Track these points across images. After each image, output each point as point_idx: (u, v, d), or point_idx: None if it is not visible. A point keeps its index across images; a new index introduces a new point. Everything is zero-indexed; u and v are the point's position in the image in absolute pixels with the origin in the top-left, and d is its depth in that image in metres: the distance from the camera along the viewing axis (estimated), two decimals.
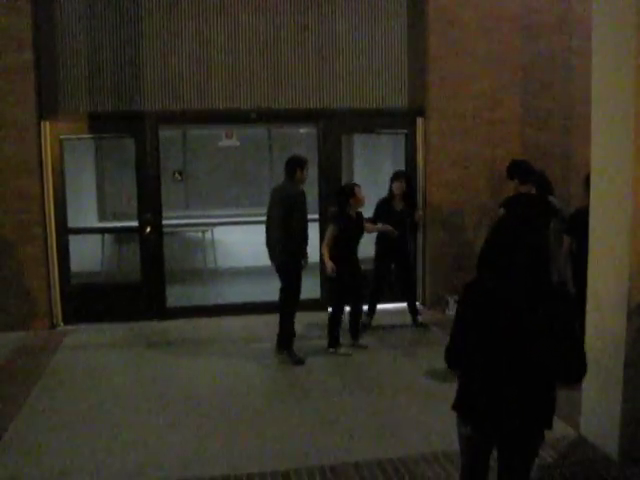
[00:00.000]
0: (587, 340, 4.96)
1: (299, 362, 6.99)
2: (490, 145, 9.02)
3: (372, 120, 9.17)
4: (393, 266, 8.31)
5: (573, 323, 3.03)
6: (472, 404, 3.21)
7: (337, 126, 9.06)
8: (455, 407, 3.30)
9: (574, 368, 2.98)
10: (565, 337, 2.95)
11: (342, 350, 7.30)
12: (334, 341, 7.32)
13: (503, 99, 9.01)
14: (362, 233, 7.41)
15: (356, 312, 7.60)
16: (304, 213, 7.09)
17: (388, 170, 9.16)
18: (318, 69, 8.87)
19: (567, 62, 9.11)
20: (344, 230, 7.19)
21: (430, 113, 8.95)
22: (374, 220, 8.06)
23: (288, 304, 7.23)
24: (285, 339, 7.23)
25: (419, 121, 9.12)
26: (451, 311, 8.81)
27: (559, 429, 5.19)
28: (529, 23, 9.01)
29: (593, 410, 4.99)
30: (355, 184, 7.42)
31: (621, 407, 4.64)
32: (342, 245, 7.17)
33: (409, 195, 8.18)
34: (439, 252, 9.07)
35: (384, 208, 8.12)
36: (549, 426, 3.12)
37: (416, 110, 9.10)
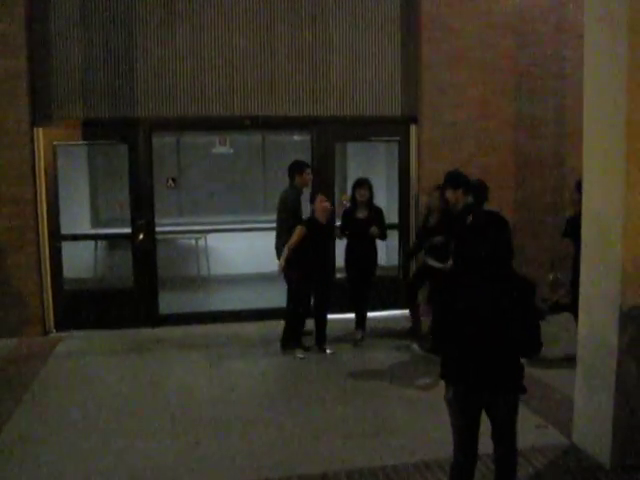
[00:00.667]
0: (579, 345, 4.96)
1: (306, 349, 7.48)
2: (483, 153, 9.04)
3: (365, 128, 9.19)
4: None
5: (531, 306, 3.67)
6: (454, 372, 3.75)
7: (331, 134, 9.08)
8: (442, 376, 3.81)
9: (531, 343, 3.64)
10: (524, 317, 3.60)
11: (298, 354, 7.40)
12: (291, 343, 7.48)
13: (496, 107, 9.04)
14: (332, 242, 7.60)
15: (318, 319, 7.61)
16: (297, 217, 7.24)
17: (381, 177, 9.18)
18: (312, 77, 8.88)
19: (561, 70, 9.15)
20: (309, 236, 7.25)
21: (423, 120, 8.97)
22: (341, 229, 8.03)
23: (289, 306, 7.48)
24: (289, 337, 7.52)
25: (412, 128, 9.14)
26: None
27: (551, 436, 5.21)
28: (523, 31, 9.05)
29: (585, 418, 4.98)
30: (319, 193, 7.57)
31: (613, 415, 4.64)
32: (307, 251, 7.24)
33: (371, 203, 7.92)
34: None
35: (348, 217, 7.99)
36: (523, 391, 3.70)
37: (409, 118, 9.12)
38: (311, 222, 7.38)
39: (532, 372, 6.52)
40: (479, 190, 7.51)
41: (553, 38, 9.14)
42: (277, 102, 8.86)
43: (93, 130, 8.56)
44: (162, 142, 10.47)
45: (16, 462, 4.92)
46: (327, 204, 7.39)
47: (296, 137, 12.27)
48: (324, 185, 8.80)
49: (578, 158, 5.22)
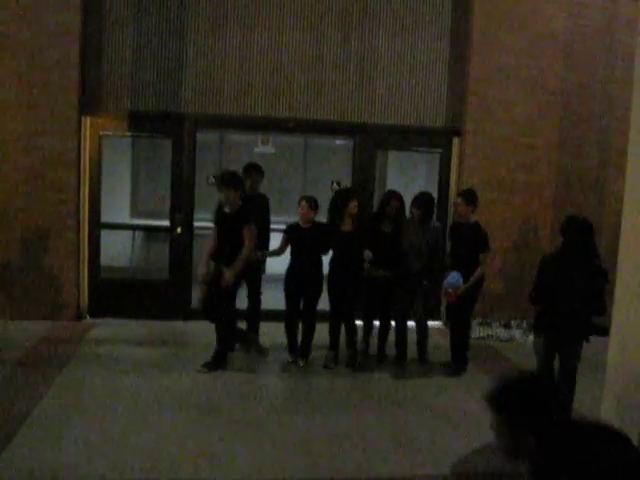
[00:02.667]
0: (608, 376, 4.93)
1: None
2: (524, 170, 9.00)
3: (408, 137, 9.22)
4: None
5: (601, 282, 5.54)
6: (544, 323, 5.72)
7: (373, 141, 9.12)
8: (534, 327, 5.91)
9: (599, 307, 5.51)
10: (593, 291, 5.50)
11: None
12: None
13: (540, 125, 9.00)
14: (315, 247, 7.24)
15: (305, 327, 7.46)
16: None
17: (420, 188, 9.16)
18: (358, 83, 8.94)
19: (608, 93, 9.08)
20: (291, 240, 7.24)
21: (466, 134, 8.97)
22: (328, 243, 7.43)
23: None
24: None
25: (455, 141, 9.14)
26: (474, 333, 8.78)
27: None
28: (573, 51, 9.00)
29: None
30: (304, 197, 7.28)
31: (637, 442, 4.59)
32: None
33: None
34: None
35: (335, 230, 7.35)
36: (587, 339, 5.62)
37: (453, 130, 9.12)
38: (293, 226, 7.29)
39: None
40: (425, 203, 7.35)
41: (603, 59, 9.07)
42: (322, 106, 8.93)
43: (139, 123, 8.72)
44: (205, 138, 10.57)
45: (43, 443, 5.02)
46: (310, 212, 7.13)
47: (338, 141, 12.31)
48: (365, 191, 8.82)
49: (620, 182, 5.21)
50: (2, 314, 8.25)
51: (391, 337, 7.56)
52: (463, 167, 9.01)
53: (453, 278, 6.94)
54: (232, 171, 7.19)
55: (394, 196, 7.32)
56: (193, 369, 6.91)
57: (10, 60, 8.14)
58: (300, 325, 7.37)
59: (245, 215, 6.80)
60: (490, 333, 8.83)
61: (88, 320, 8.76)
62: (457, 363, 7.35)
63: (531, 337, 8.28)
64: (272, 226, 7.91)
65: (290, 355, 7.38)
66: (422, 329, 7.48)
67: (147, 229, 10.47)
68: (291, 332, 7.37)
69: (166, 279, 8.96)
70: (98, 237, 8.85)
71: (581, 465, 2.34)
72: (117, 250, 10.38)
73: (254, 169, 7.61)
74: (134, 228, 10.75)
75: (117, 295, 8.93)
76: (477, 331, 8.83)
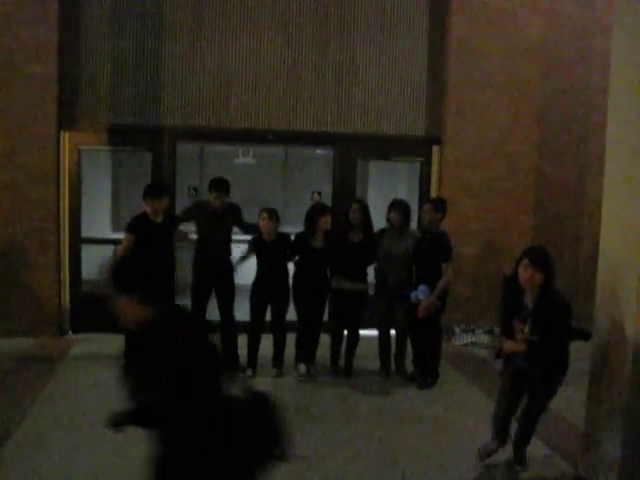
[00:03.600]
0: (591, 381, 4.96)
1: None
2: (504, 176, 9.06)
3: (388, 146, 9.24)
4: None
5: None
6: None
7: (353, 151, 9.14)
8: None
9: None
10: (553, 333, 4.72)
11: None
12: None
13: (520, 132, 9.07)
14: (279, 258, 7.19)
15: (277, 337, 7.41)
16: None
17: (402, 197, 9.18)
18: (337, 93, 8.97)
19: (587, 97, 9.15)
20: (256, 252, 7.21)
21: (446, 142, 9.01)
22: (290, 253, 7.29)
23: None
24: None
25: (435, 149, 9.18)
26: (457, 341, 8.82)
27: (557, 467, 5.20)
28: (550, 56, 9.08)
29: (592, 449, 4.97)
30: (264, 209, 7.11)
31: (621, 447, 4.62)
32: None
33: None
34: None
35: (302, 243, 7.22)
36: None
37: (432, 138, 9.16)
38: (255, 239, 7.22)
39: None
40: (403, 208, 7.27)
41: (579, 65, 9.15)
42: (301, 117, 8.95)
43: (118, 136, 8.70)
44: (185, 150, 10.55)
45: (28, 462, 4.97)
46: (271, 222, 7.03)
47: (319, 151, 12.32)
48: (345, 201, 8.81)
49: (600, 186, 5.22)
50: None
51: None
52: (444, 175, 9.05)
53: (423, 292, 6.89)
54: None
55: (357, 205, 7.29)
56: None
57: None
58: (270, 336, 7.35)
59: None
60: (474, 340, 8.86)
61: (70, 336, 8.70)
62: (430, 376, 7.23)
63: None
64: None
65: (248, 368, 7.25)
66: (403, 340, 7.42)
67: None
68: (254, 344, 7.28)
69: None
70: (79, 252, 8.80)
71: None
72: (98, 264, 10.32)
73: (215, 190, 7.17)
74: (115, 242, 10.63)
75: (99, 310, 8.80)
76: (461, 338, 8.86)
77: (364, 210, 7.22)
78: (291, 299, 7.29)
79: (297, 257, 7.26)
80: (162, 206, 6.84)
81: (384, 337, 7.44)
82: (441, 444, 5.55)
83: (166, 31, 8.63)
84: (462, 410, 6.39)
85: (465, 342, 8.84)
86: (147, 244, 6.75)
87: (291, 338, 7.33)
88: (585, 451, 5.05)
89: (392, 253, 7.17)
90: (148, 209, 6.89)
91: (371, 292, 7.44)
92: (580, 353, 5.53)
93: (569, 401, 5.84)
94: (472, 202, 9.00)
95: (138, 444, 5.30)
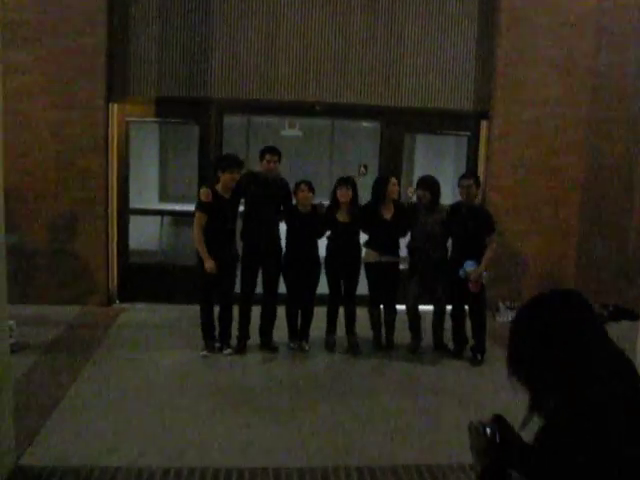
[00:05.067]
0: (639, 358, 4.88)
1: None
2: (553, 152, 8.90)
3: (435, 120, 9.15)
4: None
5: None
6: None
7: (400, 124, 9.07)
8: None
9: None
10: None
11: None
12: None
13: (571, 107, 8.88)
14: (315, 230, 7.13)
15: (305, 312, 7.36)
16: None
17: (449, 172, 9.12)
18: (385, 66, 8.87)
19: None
20: (291, 224, 7.16)
21: (495, 116, 8.88)
22: (362, 225, 7.26)
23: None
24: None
25: (483, 124, 9.06)
26: (502, 317, 8.75)
27: None
28: (602, 30, 8.84)
29: None
30: (304, 182, 7.08)
31: None
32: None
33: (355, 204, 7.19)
34: (494, 257, 8.94)
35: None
36: None
37: (481, 113, 9.04)
38: (291, 209, 7.17)
39: None
40: (432, 185, 7.17)
41: (635, 38, 8.89)
42: (349, 90, 8.88)
43: (166, 109, 8.76)
44: (232, 122, 10.57)
45: (74, 429, 5.10)
46: (309, 194, 7.02)
47: (365, 124, 12.25)
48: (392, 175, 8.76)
49: None
50: (34, 300, 8.37)
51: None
52: (491, 150, 8.93)
53: (471, 265, 6.86)
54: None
55: (391, 180, 7.24)
56: (222, 352, 7.02)
57: (37, 48, 8.19)
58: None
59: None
60: None
61: (118, 305, 8.86)
62: (479, 352, 7.20)
63: None
64: None
65: (292, 341, 7.33)
66: (443, 315, 7.38)
67: (176, 214, 10.49)
68: (293, 318, 7.33)
69: (195, 263, 8.98)
70: (127, 222, 8.93)
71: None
72: (146, 234, 10.46)
73: (268, 152, 7.12)
74: (162, 213, 10.76)
75: (146, 280, 9.00)
76: (505, 315, 8.79)
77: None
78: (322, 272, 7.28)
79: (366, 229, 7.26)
80: (236, 179, 6.83)
81: (415, 312, 7.35)
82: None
83: (215, 4, 8.61)
84: (503, 388, 6.34)
85: (509, 319, 8.73)
86: (218, 221, 6.79)
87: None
88: None
89: (424, 230, 7.09)
90: (222, 182, 6.79)
91: (403, 266, 7.44)
92: (627, 335, 5.45)
93: None
94: (519, 178, 8.88)
95: (177, 413, 5.44)
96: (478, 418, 2.27)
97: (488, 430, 2.15)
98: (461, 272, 6.88)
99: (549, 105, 8.83)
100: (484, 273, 6.95)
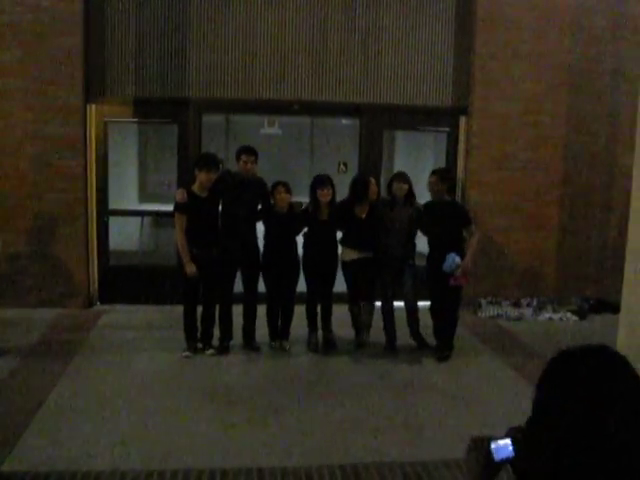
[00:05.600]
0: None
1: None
2: (532, 147, 8.94)
3: (414, 117, 9.16)
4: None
5: None
6: None
7: (379, 121, 9.08)
8: None
9: None
10: None
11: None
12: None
13: (548, 101, 8.93)
14: (293, 230, 7.13)
15: (285, 311, 7.35)
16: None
17: (429, 167, 9.11)
18: (363, 63, 8.87)
19: (617, 68, 8.97)
20: (268, 224, 7.14)
21: (473, 112, 8.90)
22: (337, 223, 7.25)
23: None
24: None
25: (462, 120, 9.08)
26: (484, 313, 8.78)
27: None
28: (579, 25, 8.89)
29: None
30: (281, 183, 7.02)
31: None
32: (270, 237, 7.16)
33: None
34: (475, 253, 8.97)
35: (307, 215, 7.17)
36: None
37: (459, 109, 9.06)
38: (267, 210, 7.13)
39: None
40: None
41: (610, 34, 8.95)
42: (327, 87, 8.88)
43: (144, 108, 8.72)
44: (211, 120, 10.55)
45: (56, 433, 5.05)
46: (286, 195, 6.97)
47: (344, 121, 12.25)
48: (372, 173, 8.74)
49: (629, 156, 5.13)
50: (13, 303, 8.30)
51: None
52: (470, 146, 8.96)
53: (453, 260, 6.83)
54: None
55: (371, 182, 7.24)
56: (204, 353, 6.99)
57: (14, 48, 8.12)
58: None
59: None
60: (500, 312, 8.81)
61: (99, 307, 8.81)
62: (446, 348, 7.17)
63: (542, 315, 8.27)
64: None
65: (273, 341, 7.32)
66: (413, 311, 7.36)
67: (155, 214, 10.44)
68: (274, 317, 7.30)
69: (174, 264, 8.94)
70: (106, 224, 8.87)
71: None
72: (126, 235, 10.40)
73: (244, 152, 7.03)
74: (142, 214, 10.72)
75: (127, 281, 8.96)
76: (487, 310, 8.82)
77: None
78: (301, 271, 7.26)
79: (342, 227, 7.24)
80: (213, 179, 6.77)
81: (389, 310, 7.31)
82: (463, 417, 5.54)
83: (192, 2, 8.57)
84: (486, 383, 6.38)
85: (491, 314, 8.79)
86: (196, 220, 6.76)
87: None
88: None
89: (392, 225, 7.08)
90: (198, 181, 6.76)
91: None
92: (608, 328, 5.50)
93: None
94: (500, 173, 8.91)
95: (160, 415, 5.41)
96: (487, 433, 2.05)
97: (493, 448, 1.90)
98: (446, 266, 6.82)
99: (528, 100, 8.87)
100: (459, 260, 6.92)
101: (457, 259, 6.81)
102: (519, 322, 8.65)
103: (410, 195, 7.11)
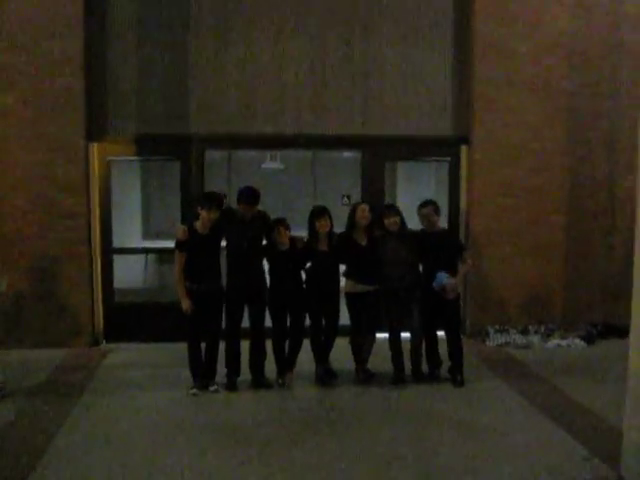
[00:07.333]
0: (629, 374, 4.84)
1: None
2: (534, 174, 8.93)
3: (416, 147, 9.18)
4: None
5: None
6: None
7: (381, 152, 9.10)
8: None
9: None
10: None
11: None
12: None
13: (549, 128, 8.94)
14: (296, 264, 7.12)
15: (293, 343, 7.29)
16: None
17: (431, 197, 9.11)
18: (363, 95, 8.93)
19: (616, 91, 9.00)
20: (271, 262, 7.12)
21: (474, 141, 8.92)
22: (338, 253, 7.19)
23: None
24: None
25: (463, 149, 9.10)
26: (491, 341, 8.72)
27: (598, 470, 5.09)
28: (577, 51, 8.93)
29: (634, 450, 4.86)
30: (280, 223, 6.96)
31: None
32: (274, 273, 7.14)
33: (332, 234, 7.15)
34: (481, 282, 8.98)
35: (308, 248, 7.15)
36: None
37: (460, 138, 9.08)
38: (268, 247, 7.10)
39: (579, 400, 6.45)
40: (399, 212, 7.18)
41: (609, 58, 8.99)
42: (328, 121, 8.92)
43: (146, 146, 8.76)
44: (213, 156, 10.60)
45: (62, 476, 4.98)
46: (286, 232, 6.94)
47: (346, 154, 12.29)
48: (375, 203, 8.69)
49: (631, 179, 5.10)
50: (18, 343, 8.27)
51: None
52: (472, 174, 8.96)
53: (442, 276, 6.88)
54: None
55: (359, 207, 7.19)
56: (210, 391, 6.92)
57: (14, 90, 8.19)
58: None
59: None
60: (507, 340, 8.74)
61: (104, 345, 8.76)
62: (458, 372, 7.16)
63: (550, 343, 8.21)
64: None
65: (279, 377, 7.21)
66: (420, 343, 7.26)
67: (159, 251, 10.43)
68: (281, 352, 7.22)
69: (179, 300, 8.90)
70: (111, 262, 8.86)
71: None
72: (130, 273, 10.39)
73: (244, 202, 6.87)
74: (146, 251, 10.72)
75: (132, 319, 8.91)
76: (495, 339, 8.76)
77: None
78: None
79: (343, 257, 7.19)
80: (214, 218, 6.76)
81: (397, 342, 7.24)
82: (475, 448, 5.46)
83: (192, 40, 8.65)
84: (497, 412, 6.29)
85: (499, 342, 8.72)
86: (197, 257, 6.74)
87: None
88: (626, 453, 4.94)
89: (397, 256, 7.03)
90: (201, 219, 6.73)
91: None
92: (617, 352, 5.42)
93: (608, 401, 5.73)
94: (502, 201, 8.89)
95: (168, 455, 5.33)
96: None
97: None
98: (436, 284, 6.87)
99: (527, 127, 8.88)
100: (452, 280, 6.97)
101: (444, 277, 6.87)
102: (527, 349, 8.58)
103: (403, 226, 7.10)
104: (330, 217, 7.05)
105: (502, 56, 8.79)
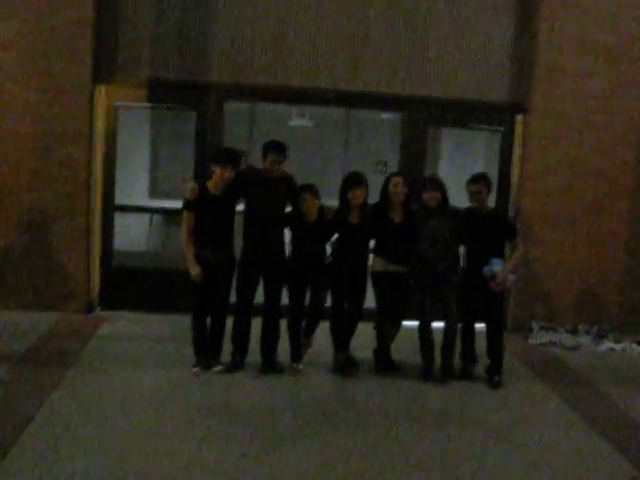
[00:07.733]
0: None
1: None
2: (600, 152, 8.82)
3: (464, 113, 9.12)
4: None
5: None
6: None
7: (424, 116, 9.04)
8: None
9: None
10: None
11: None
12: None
13: (621, 100, 8.81)
14: (323, 237, 7.14)
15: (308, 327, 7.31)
16: None
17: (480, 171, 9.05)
18: (408, 50, 8.84)
19: None
20: (296, 232, 7.11)
21: (533, 110, 8.82)
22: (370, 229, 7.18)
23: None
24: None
25: (518, 119, 9.01)
26: (534, 339, 8.68)
27: (628, 472, 5.08)
28: None
29: None
30: (307, 188, 6.96)
31: None
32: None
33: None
34: (527, 271, 8.90)
35: (339, 218, 7.09)
36: None
37: (516, 106, 8.99)
38: (295, 216, 7.07)
39: (630, 413, 6.42)
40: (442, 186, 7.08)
41: None
42: (366, 76, 8.85)
43: (160, 92, 8.76)
44: (233, 109, 10.56)
45: (43, 452, 5.03)
46: (315, 201, 6.92)
47: (384, 115, 12.20)
48: (414, 173, 8.66)
49: None
50: (2, 304, 8.36)
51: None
52: (527, 149, 8.88)
53: (497, 262, 6.84)
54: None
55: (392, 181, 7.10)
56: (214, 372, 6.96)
57: (17, 21, 8.18)
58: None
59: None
60: (554, 339, 8.70)
61: (99, 313, 8.84)
62: (497, 372, 7.13)
63: (602, 345, 8.17)
64: None
65: (293, 362, 7.24)
66: (453, 334, 7.17)
67: (167, 212, 10.46)
68: (296, 332, 7.23)
69: (186, 268, 8.92)
70: (111, 221, 8.90)
71: None
72: (133, 234, 10.43)
73: (273, 151, 6.91)
74: (152, 211, 10.73)
75: (132, 285, 8.96)
76: (539, 336, 8.72)
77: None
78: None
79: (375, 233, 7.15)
80: (229, 177, 6.74)
81: (427, 336, 7.20)
82: (507, 456, 5.45)
83: None
84: (535, 419, 6.28)
85: (544, 341, 8.68)
86: (207, 220, 6.74)
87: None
88: None
89: (433, 235, 6.97)
90: (213, 177, 6.73)
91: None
92: None
93: None
94: (560, 181, 8.81)
95: (162, 440, 5.37)
96: None
97: None
98: (486, 270, 6.82)
99: (596, 98, 8.76)
100: (511, 276, 6.98)
101: (496, 266, 6.83)
102: (576, 351, 8.54)
103: (444, 203, 7.03)
104: (367, 187, 6.99)
105: (573, 14, 8.65)
